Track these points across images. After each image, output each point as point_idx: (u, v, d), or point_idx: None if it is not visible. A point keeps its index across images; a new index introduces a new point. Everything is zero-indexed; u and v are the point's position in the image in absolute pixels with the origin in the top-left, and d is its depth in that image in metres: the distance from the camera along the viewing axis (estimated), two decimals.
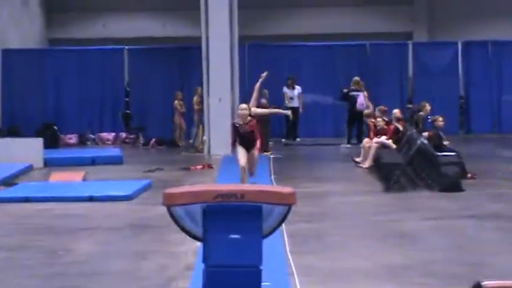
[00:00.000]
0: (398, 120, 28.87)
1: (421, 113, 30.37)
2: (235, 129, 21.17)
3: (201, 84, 32.75)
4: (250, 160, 21.06)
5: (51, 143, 33.16)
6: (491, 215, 20.60)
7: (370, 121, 29.82)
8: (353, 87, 35.19)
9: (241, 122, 21.03)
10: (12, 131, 32.72)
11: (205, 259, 11.06)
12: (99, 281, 15.02)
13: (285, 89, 34.11)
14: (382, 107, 30.48)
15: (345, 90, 34.87)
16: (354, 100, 34.78)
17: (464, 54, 39.55)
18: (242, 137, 20.69)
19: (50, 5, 44.88)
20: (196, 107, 35.17)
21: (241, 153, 20.65)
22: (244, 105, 20.03)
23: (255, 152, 21.11)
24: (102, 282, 14.93)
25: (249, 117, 21.08)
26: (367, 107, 33.04)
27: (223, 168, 27.42)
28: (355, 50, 39.24)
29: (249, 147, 20.67)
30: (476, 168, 26.11)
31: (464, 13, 44.49)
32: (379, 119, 29.20)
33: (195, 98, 35.30)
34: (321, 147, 34.35)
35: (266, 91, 33.14)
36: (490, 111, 38.09)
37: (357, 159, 28.80)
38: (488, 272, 14.33)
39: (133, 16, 44.33)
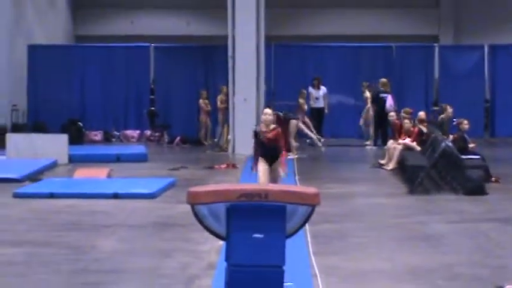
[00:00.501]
0: (422, 122, 28.91)
1: (443, 115, 30.47)
2: (255, 136, 17.76)
3: (227, 84, 32.74)
4: (273, 179, 17.44)
5: (76, 139, 33.22)
6: (509, 218, 20.63)
7: (398, 121, 29.79)
8: (382, 89, 35.16)
9: (263, 129, 17.71)
10: (38, 127, 32.78)
11: (228, 258, 11.26)
12: (121, 278, 15.13)
13: (311, 89, 34.11)
14: (408, 109, 30.53)
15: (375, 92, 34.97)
16: (383, 102, 34.71)
17: (490, 57, 39.37)
18: (263, 146, 17.30)
19: (76, 1, 44.97)
20: (221, 106, 35.20)
21: (262, 170, 17.15)
22: (268, 110, 16.99)
23: (279, 169, 17.58)
24: (125, 280, 15.04)
25: (273, 125, 18.01)
26: (395, 112, 32.99)
27: (247, 167, 27.44)
28: (380, 52, 39.11)
29: (271, 161, 17.21)
30: (501, 172, 26.15)
31: (490, 17, 44.32)
32: (406, 121, 29.25)
33: (220, 97, 35.35)
34: (345, 148, 34.41)
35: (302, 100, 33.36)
36: (498, 109, 38.04)
37: (382, 161, 28.86)
38: (511, 275, 14.38)
39: (159, 14, 44.24)
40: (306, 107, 33.87)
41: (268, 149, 16.91)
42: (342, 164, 30.24)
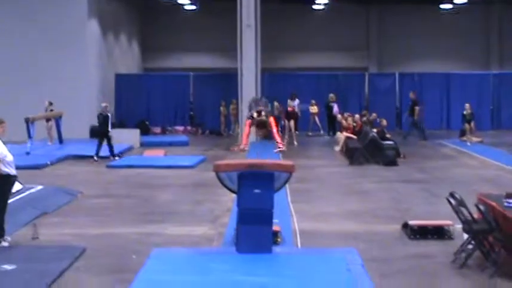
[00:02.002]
0: (356, 122, 29.04)
1: (371, 117, 30.62)
2: (251, 119, 13.88)
3: (237, 98, 32.61)
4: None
5: (145, 132, 33.12)
6: (414, 180, 20.71)
7: (344, 121, 29.73)
8: (331, 100, 35.26)
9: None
10: (121, 125, 32.71)
11: (238, 204, 11.59)
12: (173, 217, 15.47)
13: (289, 101, 33.84)
14: (349, 113, 30.76)
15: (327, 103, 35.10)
16: (331, 109, 34.82)
17: (400, 81, 39.29)
18: (257, 125, 13.77)
19: (145, 45, 44.55)
20: (233, 112, 35.14)
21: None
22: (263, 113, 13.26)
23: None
24: (176, 217, 15.37)
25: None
26: (340, 114, 32.89)
27: (251, 149, 27.51)
28: (332, 78, 38.63)
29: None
30: (406, 151, 26.16)
31: (399, 55, 43.89)
32: (349, 119, 29.37)
33: (232, 106, 35.26)
34: (309, 138, 34.27)
35: (277, 104, 33.30)
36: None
37: (335, 147, 28.85)
38: (413, 215, 14.57)
39: (197, 54, 43.85)
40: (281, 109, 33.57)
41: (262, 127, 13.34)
42: (308, 148, 30.22)
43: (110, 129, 26.00)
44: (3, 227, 12.50)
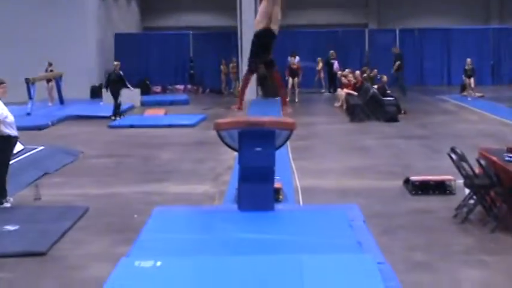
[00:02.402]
0: (356, 78, 29.12)
1: (371, 74, 30.62)
2: (252, 71, 12.88)
3: (237, 57, 32.71)
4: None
5: (145, 91, 33.15)
6: (415, 136, 20.78)
7: (344, 78, 29.82)
8: (331, 57, 35.26)
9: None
10: None
11: (240, 162, 11.60)
12: (175, 175, 15.53)
13: (289, 58, 33.81)
14: (350, 70, 30.77)
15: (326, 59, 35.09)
16: (331, 65, 34.81)
17: (400, 37, 39.40)
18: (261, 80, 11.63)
19: (144, 4, 44.68)
20: (233, 70, 35.12)
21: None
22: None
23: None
24: (177, 176, 15.43)
25: None
26: (340, 70, 32.89)
27: (251, 107, 27.58)
28: (331, 35, 38.69)
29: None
30: (407, 107, 26.26)
31: (400, 11, 44.00)
32: (350, 76, 29.45)
33: (232, 65, 35.26)
34: (310, 94, 34.34)
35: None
36: (414, 69, 38.32)
37: (335, 104, 28.95)
38: (414, 171, 14.60)
39: (197, 13, 43.98)
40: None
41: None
42: (309, 105, 30.27)
43: (129, 86, 26.80)
44: (5, 188, 12.53)
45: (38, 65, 29.01)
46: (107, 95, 30.45)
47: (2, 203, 12.40)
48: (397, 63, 33.36)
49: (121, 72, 26.66)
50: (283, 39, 36.70)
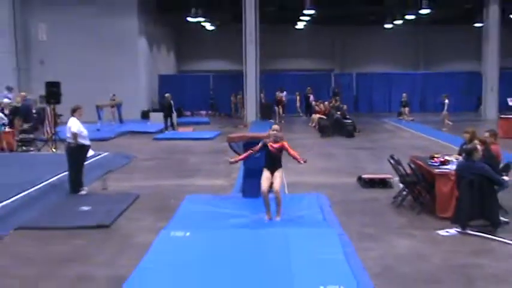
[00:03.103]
0: (326, 107, 29.02)
1: (336, 104, 30.42)
2: (262, 147, 10.39)
3: (242, 91, 32.54)
4: (274, 181, 10.17)
5: (180, 115, 32.74)
6: (366, 147, 20.66)
7: (317, 106, 29.68)
8: (308, 92, 34.93)
9: (271, 143, 10.34)
10: (162, 110, 32.24)
11: (244, 164, 11.67)
12: (199, 173, 15.45)
13: (278, 92, 33.59)
14: (321, 101, 30.68)
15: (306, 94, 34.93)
16: (308, 98, 34.51)
17: (356, 78, 39.25)
18: (269, 155, 10.37)
19: (179, 54, 44.54)
20: (240, 100, 34.75)
21: (265, 176, 10.19)
22: (276, 127, 10.60)
23: (277, 173, 10.22)
24: (201, 173, 15.35)
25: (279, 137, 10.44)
26: (315, 101, 32.65)
27: (253, 126, 27.42)
28: (307, 76, 38.35)
29: (273, 170, 10.22)
30: (362, 127, 26.12)
31: (356, 60, 43.95)
32: (321, 105, 29.32)
33: (239, 97, 34.97)
34: (293, 118, 34.12)
35: (263, 95, 33.35)
36: (366, 101, 38.83)
37: (310, 124, 28.81)
38: (364, 171, 14.52)
39: (215, 60, 43.90)
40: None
41: (272, 159, 10.24)
42: (292, 125, 30.09)
43: (173, 110, 27.49)
44: (81, 181, 12.60)
45: (103, 94, 29.06)
46: (153, 116, 30.63)
47: (80, 191, 12.46)
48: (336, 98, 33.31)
49: (171, 101, 27.26)
50: (274, 79, 36.92)
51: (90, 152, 13.84)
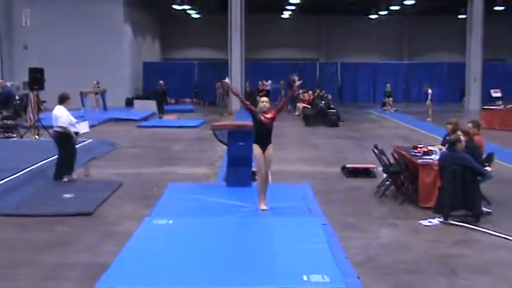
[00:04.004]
0: (310, 96, 29.03)
1: (320, 93, 30.40)
2: (254, 115, 9.83)
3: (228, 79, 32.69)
4: (267, 163, 9.87)
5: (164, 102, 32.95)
6: (350, 137, 20.74)
7: (302, 96, 29.71)
8: (293, 82, 34.80)
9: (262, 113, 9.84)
10: (147, 97, 31.92)
11: (228, 152, 11.63)
12: (183, 161, 15.41)
13: (263, 82, 33.63)
14: (305, 90, 30.61)
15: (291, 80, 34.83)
16: (292, 87, 34.34)
17: (341, 68, 39.46)
18: (261, 127, 9.82)
19: (164, 42, 44.43)
20: (224, 89, 34.82)
21: (261, 158, 9.74)
22: (265, 98, 10.02)
23: (270, 150, 9.88)
24: (185, 162, 15.30)
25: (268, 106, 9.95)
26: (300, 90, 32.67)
27: (237, 114, 27.45)
28: (293, 65, 38.25)
29: (265, 143, 9.74)
30: (345, 117, 26.23)
31: (341, 50, 44.11)
32: (306, 95, 29.34)
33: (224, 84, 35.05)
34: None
35: (248, 83, 33.25)
36: (351, 91, 38.92)
37: (296, 113, 28.84)
38: (348, 161, 14.55)
39: (200, 48, 43.82)
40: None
41: (265, 132, 9.75)
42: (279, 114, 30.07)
43: (168, 98, 28.83)
44: (73, 167, 12.54)
45: (87, 81, 28.92)
46: (137, 103, 30.47)
47: (62, 178, 12.33)
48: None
49: (164, 88, 27.91)
50: (259, 68, 36.91)
51: (85, 128, 13.61)
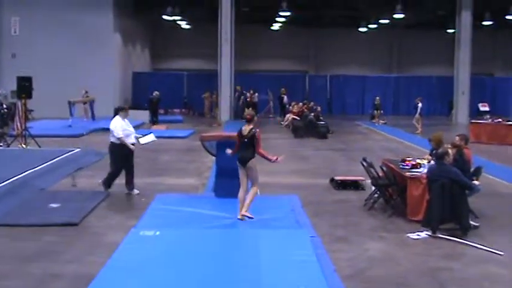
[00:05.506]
0: (299, 108, 29.00)
1: (310, 105, 30.36)
2: (239, 135, 10.18)
3: (217, 90, 32.50)
4: (250, 177, 10.10)
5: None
6: (338, 149, 20.72)
7: (292, 107, 29.67)
8: (282, 93, 34.75)
9: (244, 133, 10.16)
10: (137, 107, 31.60)
11: (216, 163, 11.61)
12: (171, 172, 15.37)
13: (251, 93, 33.49)
14: (295, 102, 30.67)
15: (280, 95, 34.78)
16: (282, 99, 34.39)
17: (330, 81, 39.47)
18: (242, 144, 10.07)
19: (154, 52, 44.30)
20: (214, 100, 34.68)
21: (241, 178, 10.11)
22: (249, 111, 10.65)
23: (251, 165, 10.08)
24: (173, 172, 15.27)
25: (251, 126, 10.20)
26: (288, 103, 32.68)
27: (226, 125, 27.41)
28: (282, 77, 38.35)
29: (244, 162, 9.98)
30: (334, 129, 26.19)
31: (331, 62, 44.08)
32: (295, 106, 29.33)
33: (214, 96, 34.78)
34: (265, 119, 34.15)
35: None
36: (340, 103, 38.59)
37: (283, 123, 28.78)
38: (337, 173, 14.47)
39: (190, 59, 43.77)
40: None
41: (244, 148, 9.96)
42: (265, 125, 30.08)
43: (159, 107, 29.09)
44: (131, 181, 12.38)
45: (76, 90, 28.76)
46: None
47: (109, 188, 12.30)
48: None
49: (159, 98, 28.69)
50: (247, 80, 36.91)
51: (149, 138, 13.49)
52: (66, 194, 12.08)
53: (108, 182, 12.34)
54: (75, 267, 7.70)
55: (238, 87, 33.75)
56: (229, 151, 10.33)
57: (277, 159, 10.23)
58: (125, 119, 12.46)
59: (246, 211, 9.97)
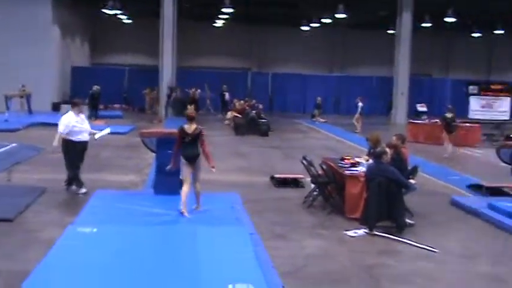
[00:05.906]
0: (241, 105, 29.03)
1: (251, 103, 30.41)
2: (180, 133, 10.08)
3: (158, 86, 32.33)
4: (195, 175, 10.25)
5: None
6: (279, 147, 20.88)
7: (235, 105, 29.66)
8: (224, 90, 34.67)
9: (188, 130, 10.10)
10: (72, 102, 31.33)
11: (156, 160, 11.54)
12: (110, 168, 15.24)
13: (200, 91, 33.36)
14: (237, 100, 30.66)
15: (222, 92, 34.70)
16: (224, 96, 34.39)
17: (272, 78, 39.62)
18: (186, 143, 10.06)
19: (93, 46, 43.70)
20: (155, 96, 34.43)
21: (186, 174, 10.22)
22: (191, 108, 9.45)
23: (200, 163, 10.33)
24: (113, 168, 15.14)
25: (195, 125, 10.16)
26: (230, 100, 32.63)
27: (167, 122, 27.22)
28: (225, 74, 38.46)
29: (193, 161, 10.16)
30: (275, 126, 26.38)
31: (273, 60, 44.38)
32: (237, 104, 29.33)
33: (155, 92, 34.56)
34: (209, 116, 34.11)
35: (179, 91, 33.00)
36: (281, 101, 38.92)
37: (226, 121, 28.81)
38: (277, 171, 14.70)
39: (131, 54, 43.34)
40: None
41: (190, 146, 10.03)
42: (207, 123, 30.03)
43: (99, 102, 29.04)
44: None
45: (12, 83, 28.10)
46: (64, 108, 29.66)
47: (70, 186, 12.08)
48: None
49: (100, 92, 28.46)
50: (188, 76, 36.74)
51: (104, 132, 13.19)
52: (1, 189, 11.82)
53: (75, 180, 12.08)
54: (9, 263, 7.56)
55: (169, 84, 33.42)
56: (168, 167, 10.38)
57: (213, 167, 10.32)
58: (80, 115, 12.09)
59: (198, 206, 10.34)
